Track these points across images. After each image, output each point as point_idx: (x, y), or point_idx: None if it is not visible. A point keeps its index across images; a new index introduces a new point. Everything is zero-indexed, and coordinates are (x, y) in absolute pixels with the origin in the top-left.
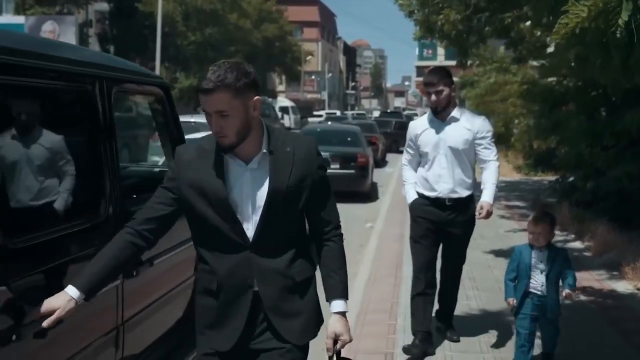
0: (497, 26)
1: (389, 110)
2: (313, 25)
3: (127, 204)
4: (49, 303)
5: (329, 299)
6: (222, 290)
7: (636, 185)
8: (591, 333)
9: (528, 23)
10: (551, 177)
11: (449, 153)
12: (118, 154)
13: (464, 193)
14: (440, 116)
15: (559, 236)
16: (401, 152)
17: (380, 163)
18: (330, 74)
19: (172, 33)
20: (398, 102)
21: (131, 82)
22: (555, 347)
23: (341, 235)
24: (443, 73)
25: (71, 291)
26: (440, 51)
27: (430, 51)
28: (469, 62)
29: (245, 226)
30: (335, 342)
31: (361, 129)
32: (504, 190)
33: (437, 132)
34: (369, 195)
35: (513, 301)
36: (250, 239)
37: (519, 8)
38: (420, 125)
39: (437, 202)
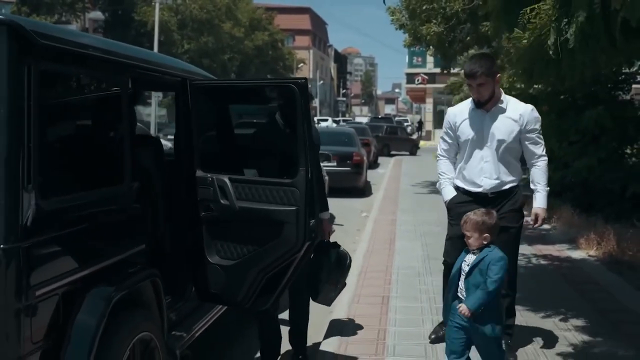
0: (478, 36)
1: (380, 116)
2: (305, 34)
3: None
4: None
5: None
6: None
7: (596, 176)
8: (548, 284)
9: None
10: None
11: (493, 146)
12: None
13: (509, 185)
14: (484, 107)
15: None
16: (392, 155)
17: (372, 165)
18: (321, 82)
19: (168, 42)
20: (388, 109)
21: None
22: None
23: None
24: (485, 63)
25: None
26: (430, 59)
27: (419, 59)
28: (453, 70)
29: None
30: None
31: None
32: None
33: (481, 123)
34: (364, 191)
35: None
36: None
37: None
38: (460, 113)
39: (478, 197)
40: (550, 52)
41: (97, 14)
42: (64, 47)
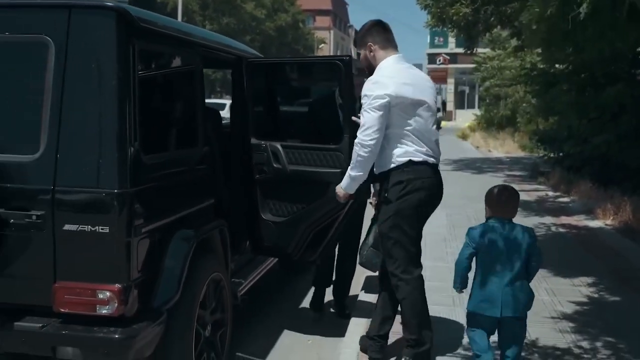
0: (502, 17)
1: None
2: (325, 14)
3: None
4: None
5: None
6: None
7: (614, 152)
8: (565, 249)
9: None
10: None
11: None
12: None
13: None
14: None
15: (551, 194)
16: None
17: None
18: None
19: (189, 23)
20: None
21: None
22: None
23: None
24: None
25: None
26: (451, 39)
27: (441, 39)
28: (476, 50)
29: None
30: None
31: None
32: (507, 163)
33: None
34: None
35: None
36: None
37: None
38: None
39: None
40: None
41: None
42: (157, 30)
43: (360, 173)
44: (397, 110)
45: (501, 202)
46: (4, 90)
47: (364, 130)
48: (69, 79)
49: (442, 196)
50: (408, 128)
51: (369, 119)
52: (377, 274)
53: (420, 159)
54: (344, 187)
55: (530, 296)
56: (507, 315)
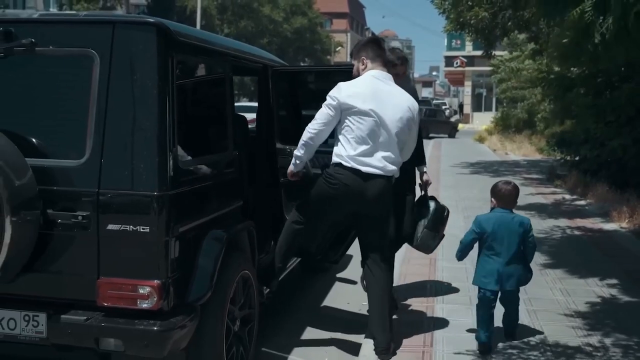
0: (519, 22)
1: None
2: (342, 17)
3: None
4: None
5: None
6: None
7: (630, 155)
8: (580, 250)
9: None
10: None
11: None
12: None
13: None
14: None
15: (568, 197)
16: (431, 138)
17: None
18: None
19: (208, 26)
20: (426, 93)
21: None
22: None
23: None
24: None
25: None
26: (469, 42)
27: (458, 42)
28: (493, 53)
29: None
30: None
31: None
32: (525, 166)
33: None
34: None
35: None
36: None
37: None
38: None
39: None
40: (589, 47)
41: (140, 0)
42: (192, 42)
43: (301, 154)
44: (346, 115)
45: (505, 195)
46: (52, 99)
47: (313, 121)
48: (112, 89)
49: (363, 204)
50: (351, 134)
51: (319, 113)
52: (399, 276)
53: (349, 165)
54: (291, 166)
55: (527, 275)
56: (505, 289)
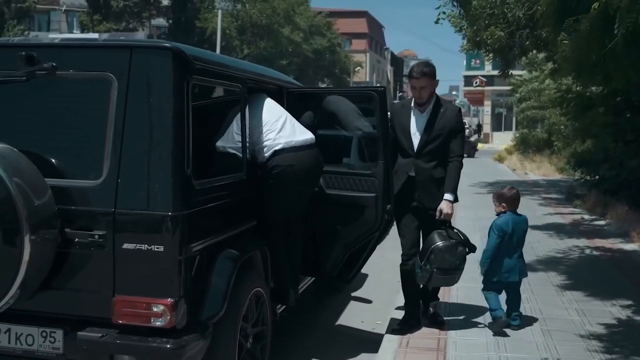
0: (537, 41)
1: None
2: (361, 37)
3: None
4: None
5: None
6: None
7: None
8: (598, 270)
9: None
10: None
11: None
12: None
13: None
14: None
15: (587, 217)
16: None
17: None
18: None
19: (228, 47)
20: None
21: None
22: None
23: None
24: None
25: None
26: (487, 61)
27: (477, 61)
28: (511, 72)
29: None
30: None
31: None
32: (544, 186)
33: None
34: None
35: None
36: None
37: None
38: None
39: None
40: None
41: (161, 21)
42: (208, 67)
43: None
44: None
45: (513, 198)
46: (71, 121)
47: None
48: (129, 111)
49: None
50: None
51: None
52: None
53: None
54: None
55: (525, 266)
56: (516, 280)
